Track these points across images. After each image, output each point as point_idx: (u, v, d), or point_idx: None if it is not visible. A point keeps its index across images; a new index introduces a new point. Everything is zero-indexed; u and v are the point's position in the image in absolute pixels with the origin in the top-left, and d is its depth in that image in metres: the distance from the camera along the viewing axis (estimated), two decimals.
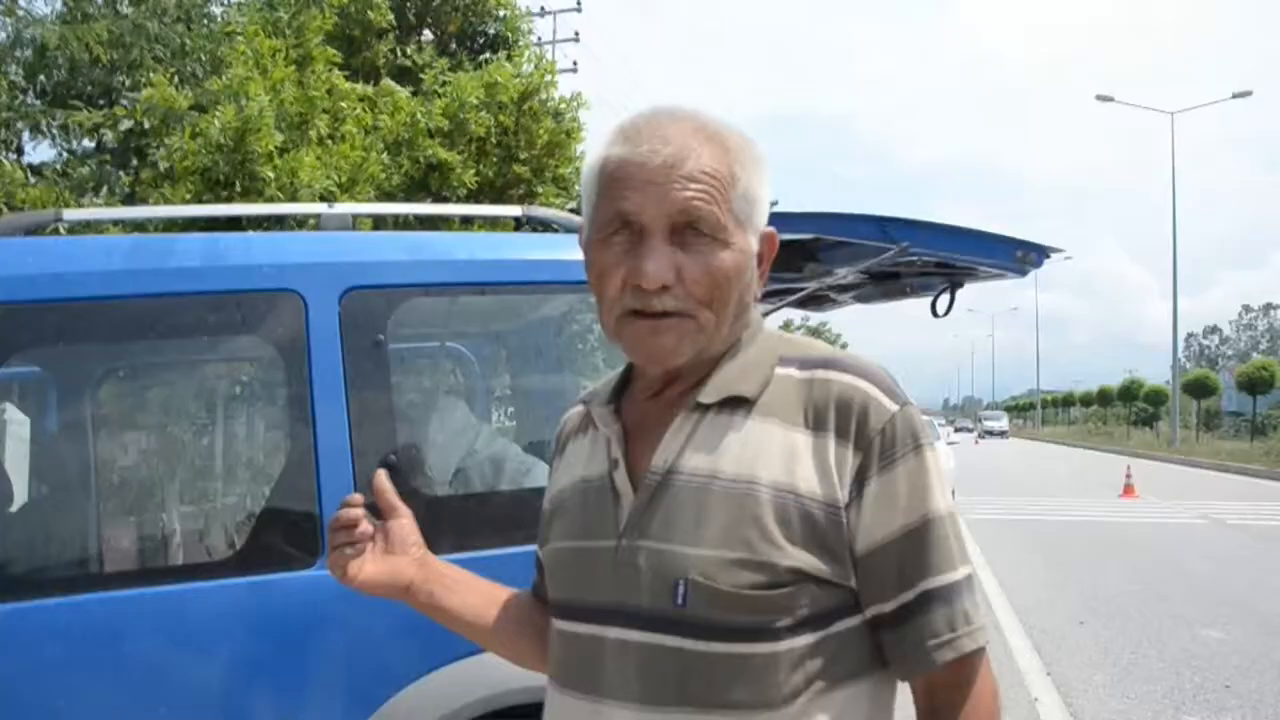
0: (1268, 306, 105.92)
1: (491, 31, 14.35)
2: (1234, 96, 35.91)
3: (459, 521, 2.62)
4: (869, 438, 1.16)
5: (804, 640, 1.14)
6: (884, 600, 1.16)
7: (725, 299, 1.18)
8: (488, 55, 13.70)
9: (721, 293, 1.17)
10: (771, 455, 1.16)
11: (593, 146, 1.23)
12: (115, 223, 4.75)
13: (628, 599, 1.18)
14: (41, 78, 10.58)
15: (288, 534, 2.46)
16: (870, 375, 1.20)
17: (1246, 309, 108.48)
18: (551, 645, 1.30)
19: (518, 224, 3.36)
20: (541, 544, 1.44)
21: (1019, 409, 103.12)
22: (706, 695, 1.13)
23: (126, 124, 9.34)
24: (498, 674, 2.33)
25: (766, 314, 5.33)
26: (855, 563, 1.15)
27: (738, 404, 1.20)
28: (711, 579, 1.13)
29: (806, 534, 1.14)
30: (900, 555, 1.15)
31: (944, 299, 4.25)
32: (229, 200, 8.11)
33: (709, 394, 1.21)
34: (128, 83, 10.37)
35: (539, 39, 19.41)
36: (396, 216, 6.14)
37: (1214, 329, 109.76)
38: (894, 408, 1.18)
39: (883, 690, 1.21)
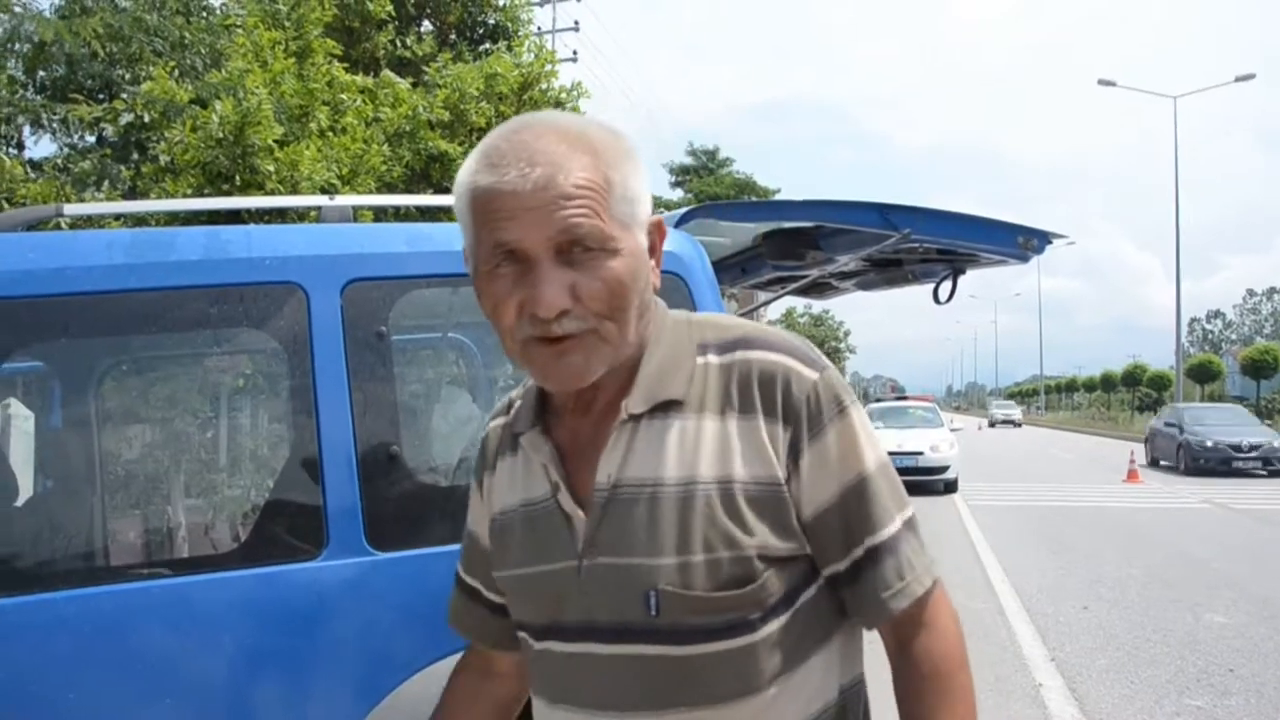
0: (1271, 291, 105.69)
1: (491, 22, 14.33)
2: (1237, 80, 35.74)
3: (463, 511, 2.62)
4: (795, 409, 1.18)
5: (777, 623, 1.18)
6: (836, 560, 1.21)
7: (625, 307, 1.15)
8: (487, 45, 13.68)
9: (620, 302, 1.14)
10: (708, 451, 1.18)
11: (460, 173, 1.19)
12: (116, 217, 4.75)
13: (600, 615, 1.19)
14: (41, 72, 10.58)
15: (292, 526, 2.47)
16: (786, 347, 1.22)
17: (1250, 293, 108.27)
18: (531, 662, 1.30)
19: None
20: (467, 565, 1.47)
21: (1023, 395, 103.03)
22: (697, 694, 1.16)
23: (127, 118, 9.32)
24: None
25: (768, 302, 5.35)
26: (804, 530, 1.19)
27: (669, 406, 1.20)
28: (680, 586, 1.15)
29: (757, 518, 1.16)
30: (843, 517, 1.19)
31: (946, 285, 4.25)
32: (230, 193, 8.11)
33: (637, 403, 1.20)
34: (127, 76, 10.37)
35: (539, 29, 19.37)
36: (397, 208, 6.13)
37: (1217, 313, 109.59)
38: (814, 376, 1.20)
39: (850, 641, 1.27)
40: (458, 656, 2.43)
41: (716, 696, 1.16)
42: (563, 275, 1.12)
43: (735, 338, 1.24)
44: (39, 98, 10.51)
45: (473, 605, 1.45)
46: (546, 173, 1.11)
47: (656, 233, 1.23)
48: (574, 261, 1.13)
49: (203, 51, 10.46)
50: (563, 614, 1.22)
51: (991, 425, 60.78)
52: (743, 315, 2.28)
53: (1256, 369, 39.14)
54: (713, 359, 1.23)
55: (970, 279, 4.39)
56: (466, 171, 1.16)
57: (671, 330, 1.25)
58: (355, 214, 2.85)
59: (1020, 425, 61.13)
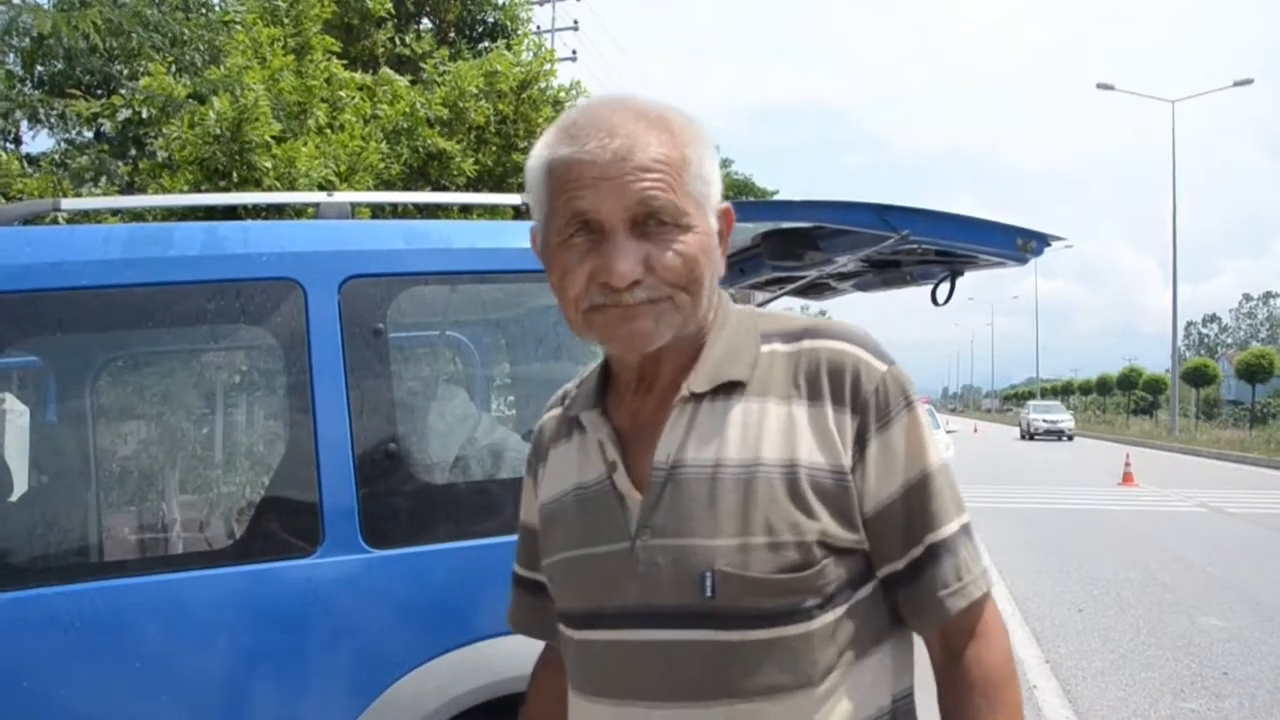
0: (1267, 295, 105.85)
1: (490, 20, 14.32)
2: (1235, 84, 35.87)
3: (459, 510, 2.62)
4: (864, 400, 1.17)
5: (833, 615, 1.15)
6: (895, 558, 1.19)
7: (699, 280, 1.16)
8: (487, 44, 13.68)
9: (695, 275, 1.16)
10: (773, 434, 1.17)
11: (535, 148, 1.20)
12: (113, 212, 4.74)
13: (652, 599, 1.16)
14: (39, 67, 10.55)
15: (288, 523, 2.46)
16: (855, 338, 1.22)
17: (1247, 297, 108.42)
18: (569, 655, 1.28)
19: (517, 212, 3.36)
20: (524, 559, 1.43)
21: (1018, 397, 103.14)
22: (747, 684, 1.13)
23: (125, 113, 9.30)
24: (496, 662, 2.34)
25: (766, 303, 5.34)
26: (865, 524, 1.17)
27: (731, 388, 1.20)
28: (738, 567, 1.12)
29: (821, 504, 1.14)
30: (906, 512, 1.18)
31: (944, 287, 4.24)
32: (227, 190, 8.10)
33: (701, 382, 1.20)
34: (125, 72, 10.34)
35: (538, 27, 19.35)
36: (395, 205, 6.12)
37: (1213, 317, 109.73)
38: (883, 368, 1.19)
39: (902, 650, 1.24)
40: (452, 655, 2.43)
41: (768, 688, 1.13)
42: (636, 247, 1.13)
43: (801, 327, 1.23)
44: (37, 92, 10.47)
45: (537, 600, 1.40)
46: (626, 144, 1.12)
47: (725, 220, 1.23)
48: (648, 234, 1.14)
49: (201, 47, 10.43)
50: (610, 599, 1.19)
51: (1028, 436, 42.86)
52: None
53: (1251, 373, 39.23)
54: (779, 346, 1.22)
55: (968, 281, 4.39)
56: (543, 146, 1.18)
57: (735, 318, 1.25)
58: (353, 210, 2.84)
59: (1072, 438, 41.70)
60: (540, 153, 1.18)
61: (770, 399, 1.19)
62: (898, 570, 1.19)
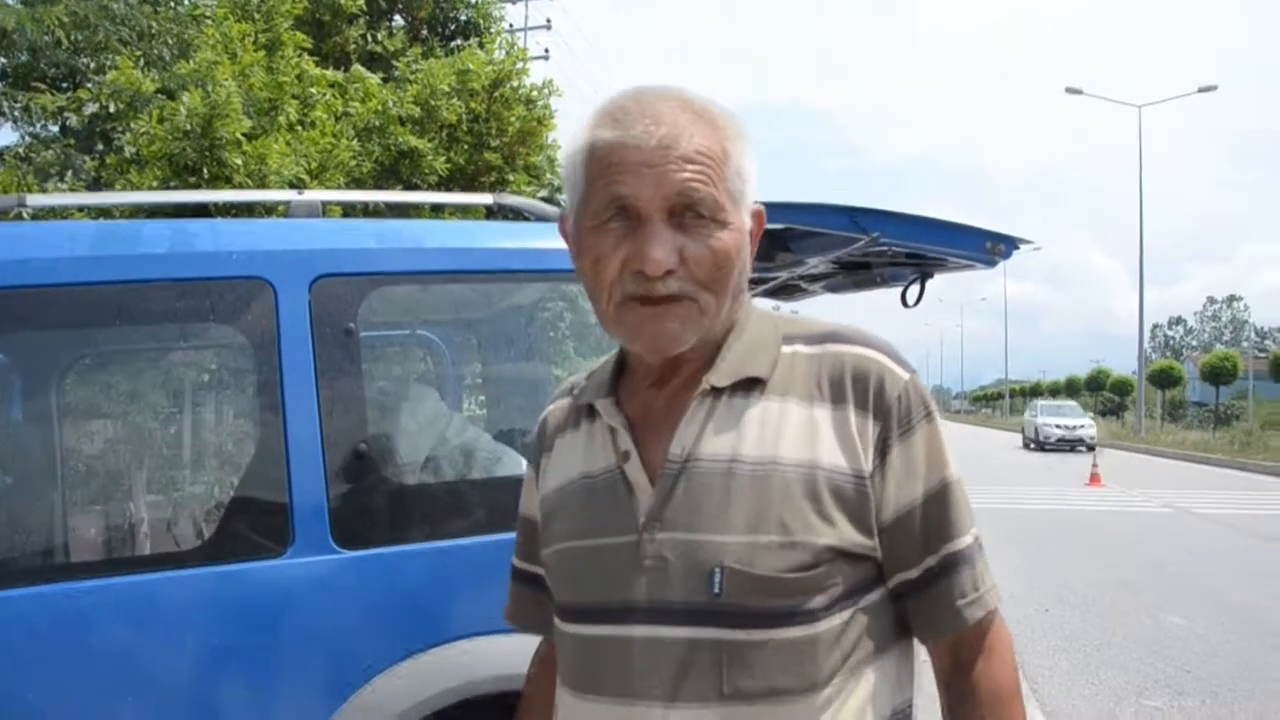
0: (1231, 298, 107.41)
1: (463, 18, 14.25)
2: (1200, 91, 36.34)
3: (430, 510, 2.61)
4: (887, 406, 1.17)
5: (839, 619, 1.14)
6: (909, 566, 1.18)
7: (726, 280, 1.16)
8: (459, 42, 13.63)
9: (723, 274, 1.15)
10: (792, 433, 1.16)
11: (575, 129, 1.19)
12: (80, 208, 4.69)
13: (657, 594, 1.14)
14: (2, 59, 10.40)
15: (257, 523, 2.44)
16: (879, 345, 1.22)
17: (1211, 300, 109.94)
18: (562, 650, 1.26)
19: (489, 212, 3.35)
20: (523, 552, 1.40)
21: (987, 398, 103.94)
22: (750, 686, 1.11)
23: (91, 108, 9.18)
24: (468, 664, 2.34)
25: None
26: (881, 531, 1.16)
27: (751, 385, 1.19)
28: (748, 565, 1.11)
29: (838, 508, 1.14)
30: (924, 520, 1.17)
31: (914, 289, 4.27)
32: (197, 186, 8.02)
33: (721, 377, 1.19)
34: (92, 65, 10.21)
35: (510, 26, 19.28)
36: (366, 204, 6.09)
37: (1179, 320, 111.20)
38: (906, 376, 1.19)
39: (905, 662, 1.23)
40: (424, 656, 2.42)
41: (771, 691, 1.11)
42: (672, 237, 1.12)
43: (824, 331, 1.23)
44: (0, 85, 10.33)
45: (536, 594, 1.38)
46: (671, 133, 1.12)
47: (757, 221, 1.24)
48: (685, 226, 1.13)
49: (170, 42, 10.31)
50: (613, 593, 1.17)
51: (1034, 446, 32.77)
52: None
53: (1215, 375, 39.76)
54: (801, 348, 1.22)
55: (937, 283, 4.43)
56: (585, 128, 1.17)
57: (757, 318, 1.25)
58: (324, 209, 2.83)
59: (1093, 448, 29.62)
60: (582, 134, 1.17)
61: (791, 399, 1.18)
62: (911, 578, 1.18)
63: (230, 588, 2.33)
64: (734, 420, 1.17)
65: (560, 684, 1.26)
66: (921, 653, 1.25)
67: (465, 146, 11.33)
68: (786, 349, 1.22)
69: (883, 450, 1.16)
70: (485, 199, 3.14)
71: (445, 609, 2.42)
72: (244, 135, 8.41)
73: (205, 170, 8.25)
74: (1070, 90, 37.74)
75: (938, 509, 1.18)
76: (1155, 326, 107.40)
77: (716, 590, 1.11)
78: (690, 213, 1.13)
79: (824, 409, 1.17)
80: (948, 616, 1.18)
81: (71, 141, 9.94)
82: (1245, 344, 72.35)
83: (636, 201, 1.12)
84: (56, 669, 2.21)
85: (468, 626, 2.37)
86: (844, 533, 1.14)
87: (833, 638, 1.13)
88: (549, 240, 2.68)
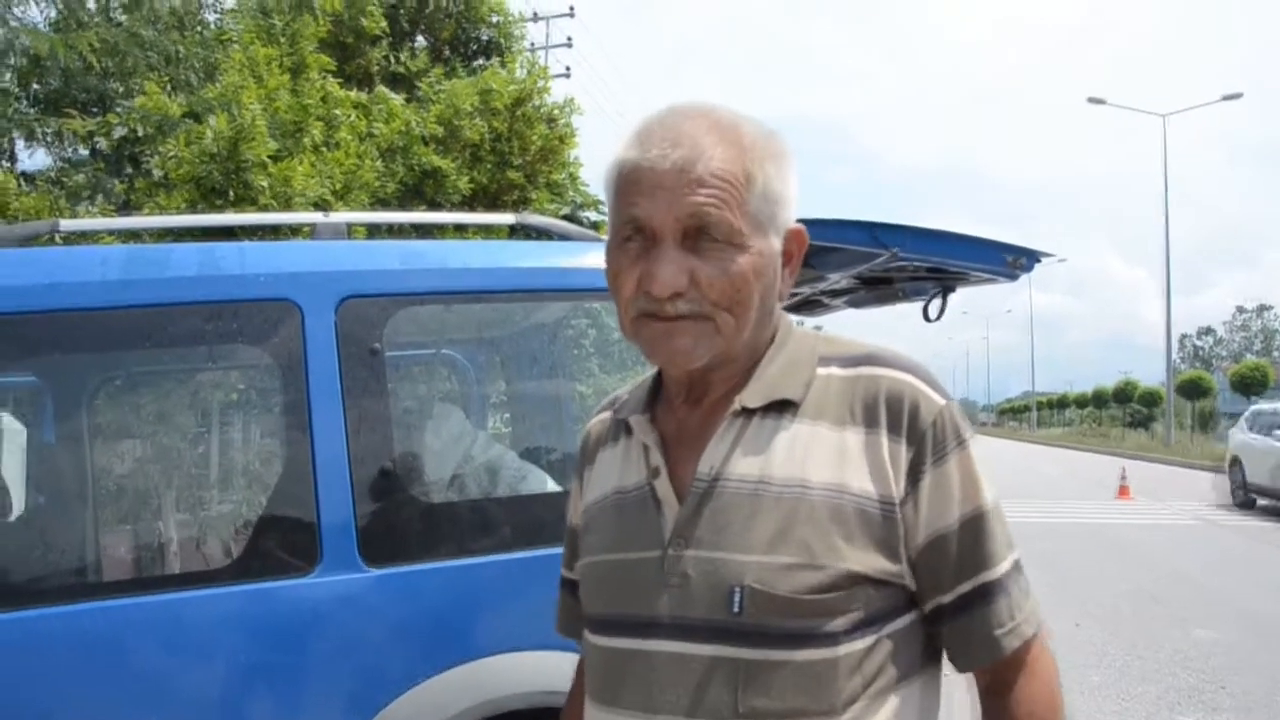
0: (1261, 308, 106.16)
1: (485, 37, 14.39)
2: (1224, 98, 36.01)
3: (456, 528, 2.63)
4: (921, 432, 1.16)
5: (861, 643, 1.13)
6: (943, 591, 1.17)
7: (744, 302, 1.15)
8: (481, 61, 13.74)
9: (740, 297, 1.15)
10: (822, 457, 1.15)
11: (613, 147, 1.22)
12: (110, 232, 4.76)
13: (679, 610, 1.15)
14: (35, 85, 10.57)
15: (286, 542, 2.47)
16: (915, 370, 1.21)
17: (1240, 310, 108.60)
18: (590, 661, 1.27)
19: (512, 231, 3.39)
20: (569, 561, 1.41)
21: (1014, 411, 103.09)
22: (765, 706, 1.11)
23: (120, 131, 9.32)
24: (493, 680, 2.36)
25: None
26: (912, 557, 1.15)
27: (784, 407, 1.19)
28: (769, 585, 1.11)
29: (863, 533, 1.13)
30: (959, 548, 1.16)
31: (936, 303, 4.27)
32: (224, 208, 8.12)
33: (753, 398, 1.19)
34: (121, 90, 10.37)
35: (532, 44, 19.43)
36: (392, 224, 6.15)
37: (1208, 330, 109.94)
38: (942, 402, 1.18)
39: (930, 689, 1.22)
40: (450, 673, 2.44)
41: (788, 713, 1.11)
42: (684, 259, 1.13)
43: (862, 354, 1.22)
44: (32, 110, 10.50)
45: (569, 610, 1.40)
46: (688, 156, 1.12)
47: (795, 241, 1.23)
48: (700, 249, 1.13)
49: (197, 66, 10.47)
50: (637, 606, 1.18)
51: (1243, 499, 16.26)
52: None
53: (1246, 385, 39.27)
54: (836, 370, 1.21)
55: (961, 295, 4.42)
56: (619, 146, 1.19)
57: (795, 340, 1.25)
58: (349, 230, 2.86)
59: None
60: (615, 152, 1.20)
61: (823, 423, 1.17)
62: (945, 602, 1.17)
63: (259, 606, 2.36)
64: (764, 442, 1.17)
65: (587, 695, 1.27)
66: (946, 667, 1.25)
67: (488, 165, 11.42)
68: (822, 370, 1.21)
69: (914, 477, 1.15)
70: (508, 218, 3.17)
71: (472, 626, 2.44)
72: (269, 157, 8.52)
73: (231, 192, 8.35)
74: (1093, 100, 37.49)
75: (971, 537, 1.16)
76: (1184, 336, 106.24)
77: (736, 609, 1.11)
78: (705, 236, 1.13)
79: (856, 433, 1.16)
80: (985, 646, 1.17)
81: (101, 165, 10.10)
82: (1276, 353, 71.45)
83: (650, 222, 1.14)
84: (88, 687, 2.24)
85: (494, 643, 2.39)
86: (868, 558, 1.13)
87: (854, 662, 1.12)
88: (571, 259, 2.71)
